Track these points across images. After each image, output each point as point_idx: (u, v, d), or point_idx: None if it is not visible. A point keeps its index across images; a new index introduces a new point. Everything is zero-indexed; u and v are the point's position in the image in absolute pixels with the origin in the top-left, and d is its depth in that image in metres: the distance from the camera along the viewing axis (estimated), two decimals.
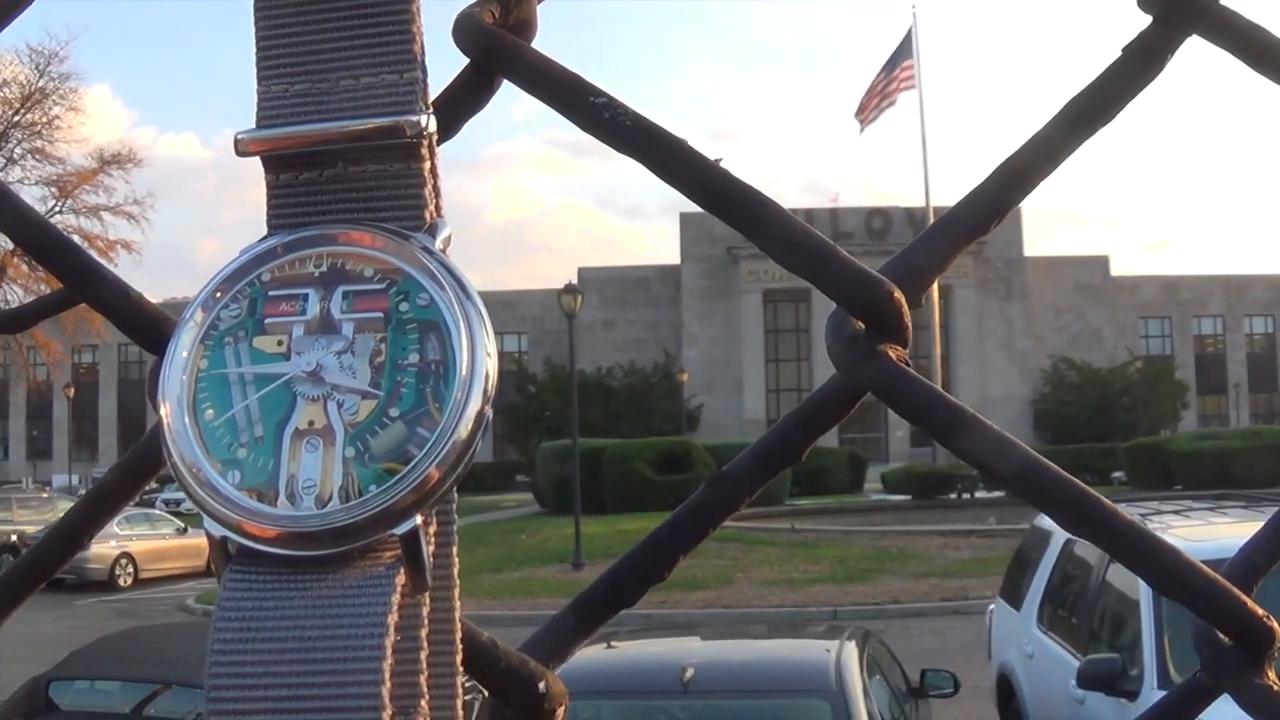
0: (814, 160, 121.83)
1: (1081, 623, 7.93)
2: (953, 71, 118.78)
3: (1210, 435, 39.23)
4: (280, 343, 0.54)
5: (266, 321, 0.54)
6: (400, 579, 0.50)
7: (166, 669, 7.41)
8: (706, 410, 58.86)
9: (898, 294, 0.60)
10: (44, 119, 48.16)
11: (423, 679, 0.50)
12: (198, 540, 25.76)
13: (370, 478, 0.50)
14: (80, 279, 0.65)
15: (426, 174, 0.57)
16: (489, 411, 0.52)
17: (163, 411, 0.54)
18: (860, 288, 0.59)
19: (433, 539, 0.52)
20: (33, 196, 44.32)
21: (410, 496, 0.50)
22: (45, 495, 32.50)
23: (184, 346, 0.55)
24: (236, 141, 0.57)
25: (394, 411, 0.51)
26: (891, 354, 0.60)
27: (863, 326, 0.60)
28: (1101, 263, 64.05)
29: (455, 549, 0.55)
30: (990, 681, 9.82)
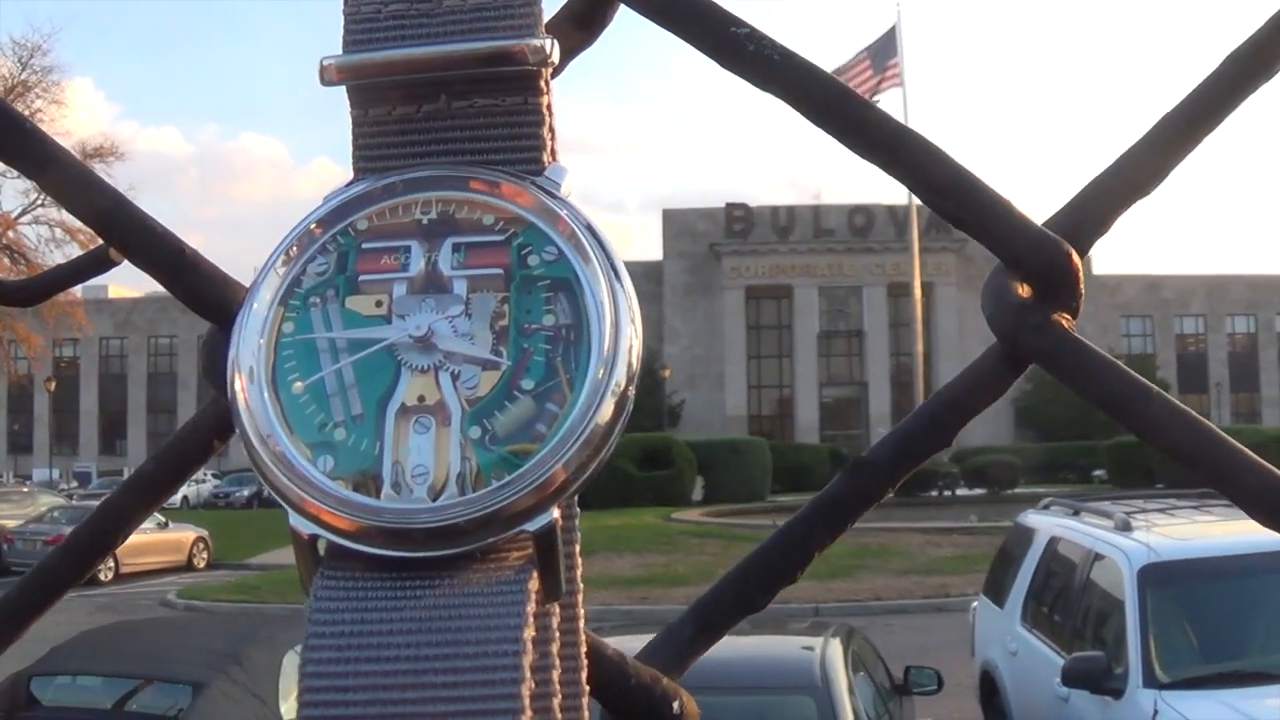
0: (796, 157, 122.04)
1: (1066, 620, 7.90)
2: (936, 68, 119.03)
3: None
4: (379, 303, 0.45)
5: (361, 279, 0.46)
6: (533, 584, 0.42)
7: (148, 664, 7.31)
8: (688, 406, 58.80)
9: (1076, 257, 0.52)
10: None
11: (555, 703, 0.42)
12: (179, 534, 25.70)
13: (494, 463, 0.42)
14: (125, 234, 0.56)
15: (545, 110, 0.49)
16: (632, 393, 0.44)
17: (236, 385, 0.46)
18: (1034, 248, 0.51)
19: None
20: (15, 189, 44.01)
21: (545, 485, 0.42)
22: (26, 490, 32.23)
23: (260, 307, 0.47)
24: (322, 69, 0.48)
25: (525, 384, 0.43)
26: (1064, 324, 0.52)
27: (1027, 292, 0.53)
28: (1085, 261, 64.15)
29: (578, 546, 0.47)
30: (973, 679, 9.79)
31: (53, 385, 55.11)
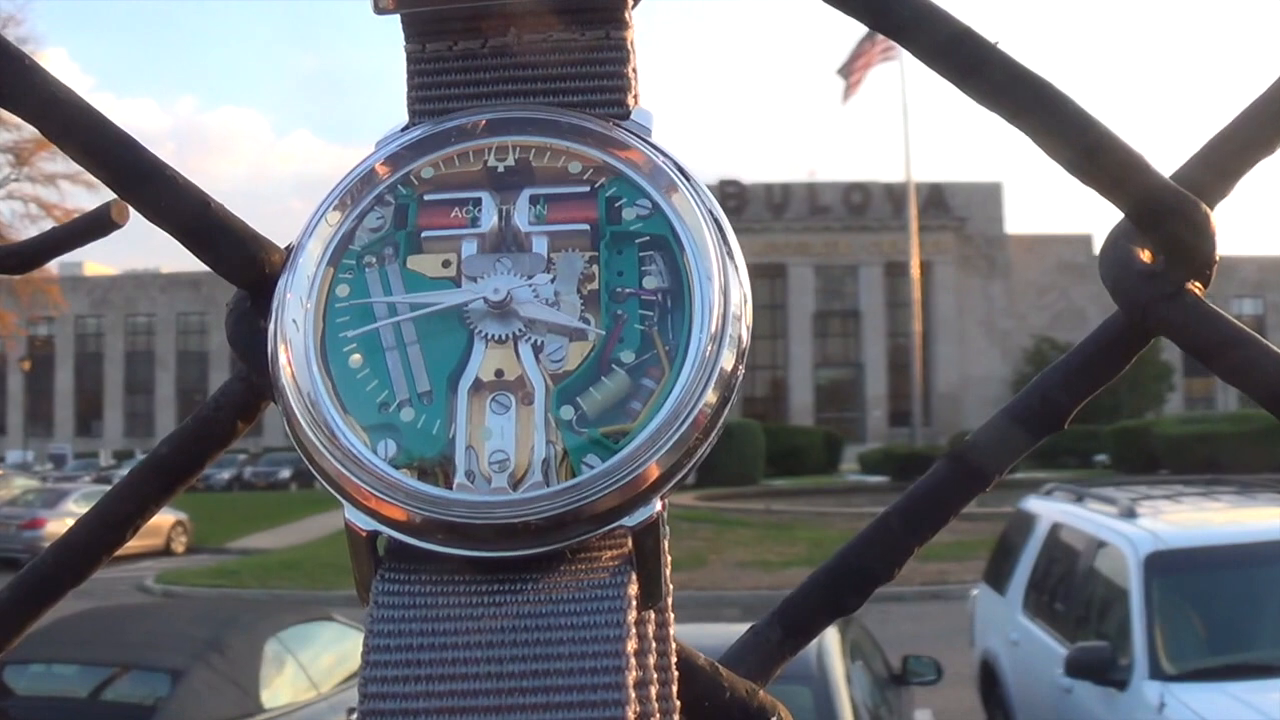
0: (789, 134, 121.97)
1: (1069, 609, 7.91)
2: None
3: (1197, 419, 39.35)
4: (447, 263, 0.41)
5: (424, 235, 0.42)
6: (633, 588, 0.37)
7: (125, 652, 7.27)
8: None
9: (1213, 221, 0.47)
10: None
11: None
12: (157, 518, 25.47)
13: (586, 447, 0.38)
14: (139, 185, 0.50)
15: (629, 46, 0.44)
16: (742, 372, 0.40)
17: (280, 357, 0.41)
18: (1169, 209, 0.46)
19: None
20: None
21: (646, 474, 0.38)
22: (1, 472, 32.14)
23: (308, 267, 0.41)
24: None
25: (623, 355, 0.39)
26: (1197, 292, 0.48)
27: (1149, 257, 0.48)
28: (1085, 241, 64.26)
29: (667, 542, 0.42)
30: (973, 669, 9.80)
31: (27, 365, 54.91)
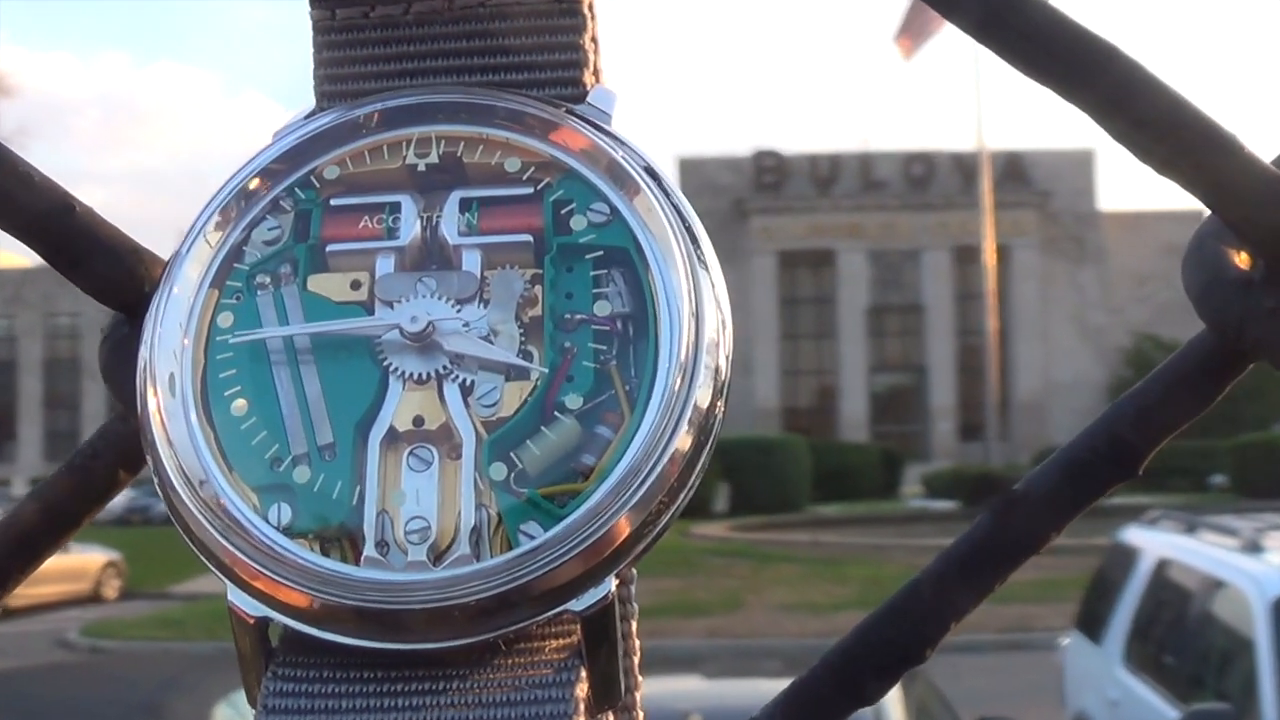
0: (837, 95, 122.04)
1: (1181, 663, 7.91)
2: None
3: None
4: (356, 284, 0.40)
5: (330, 250, 0.41)
6: (581, 688, 0.36)
7: None
8: None
9: None
10: None
11: None
12: (83, 558, 25.67)
13: (524, 512, 0.37)
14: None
15: (587, 11, 0.43)
16: (721, 411, 0.39)
17: (149, 401, 0.40)
18: (1270, 203, 0.45)
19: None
20: None
21: (600, 545, 0.36)
22: None
23: (185, 291, 0.40)
24: None
25: (568, 399, 0.38)
26: None
27: (1247, 262, 0.47)
28: (1196, 218, 64.21)
29: (635, 624, 0.41)
30: None
31: None
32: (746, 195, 59.43)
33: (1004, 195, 53.93)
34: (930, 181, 59.29)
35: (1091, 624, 9.77)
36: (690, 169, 61.70)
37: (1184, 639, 7.95)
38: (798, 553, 27.03)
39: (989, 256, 47.27)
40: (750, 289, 60.39)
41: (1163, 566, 8.64)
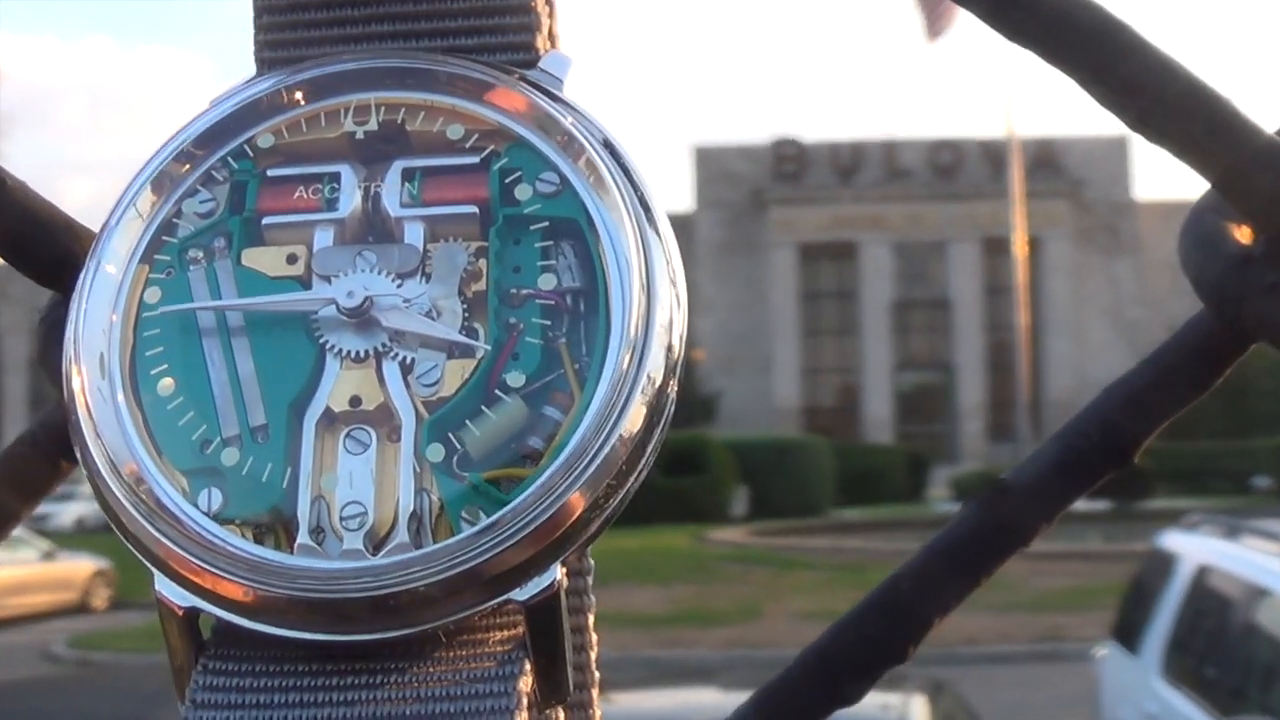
0: (860, 81, 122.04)
1: (1223, 675, 7.90)
2: None
3: None
4: (293, 259, 0.41)
5: (265, 223, 0.41)
6: (525, 682, 0.36)
7: None
8: (726, 397, 58.94)
9: None
10: None
11: None
12: (71, 566, 25.68)
13: (467, 497, 0.37)
14: None
15: None
16: (673, 389, 0.39)
17: (74, 382, 0.40)
18: (1272, 171, 0.45)
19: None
20: None
21: (545, 530, 0.36)
22: None
23: (113, 265, 0.40)
24: None
25: (512, 378, 0.38)
26: None
27: (1249, 237, 0.47)
28: None
29: (592, 615, 0.41)
30: None
31: None
32: (765, 185, 59.41)
33: (1035, 184, 53.82)
34: (958, 170, 59.26)
35: (1128, 634, 9.77)
36: (706, 158, 61.72)
37: (1226, 650, 7.94)
38: (819, 559, 27.02)
39: (1019, 248, 47.17)
40: (769, 283, 60.41)
41: (1203, 573, 8.63)
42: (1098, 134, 59.59)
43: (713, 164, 61.22)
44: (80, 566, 25.76)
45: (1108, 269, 59.63)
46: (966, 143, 59.96)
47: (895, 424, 58.54)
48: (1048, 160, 57.40)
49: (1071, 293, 58.46)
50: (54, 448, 0.51)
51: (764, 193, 59.55)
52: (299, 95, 0.41)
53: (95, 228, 0.51)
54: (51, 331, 0.48)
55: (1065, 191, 57.55)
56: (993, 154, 56.80)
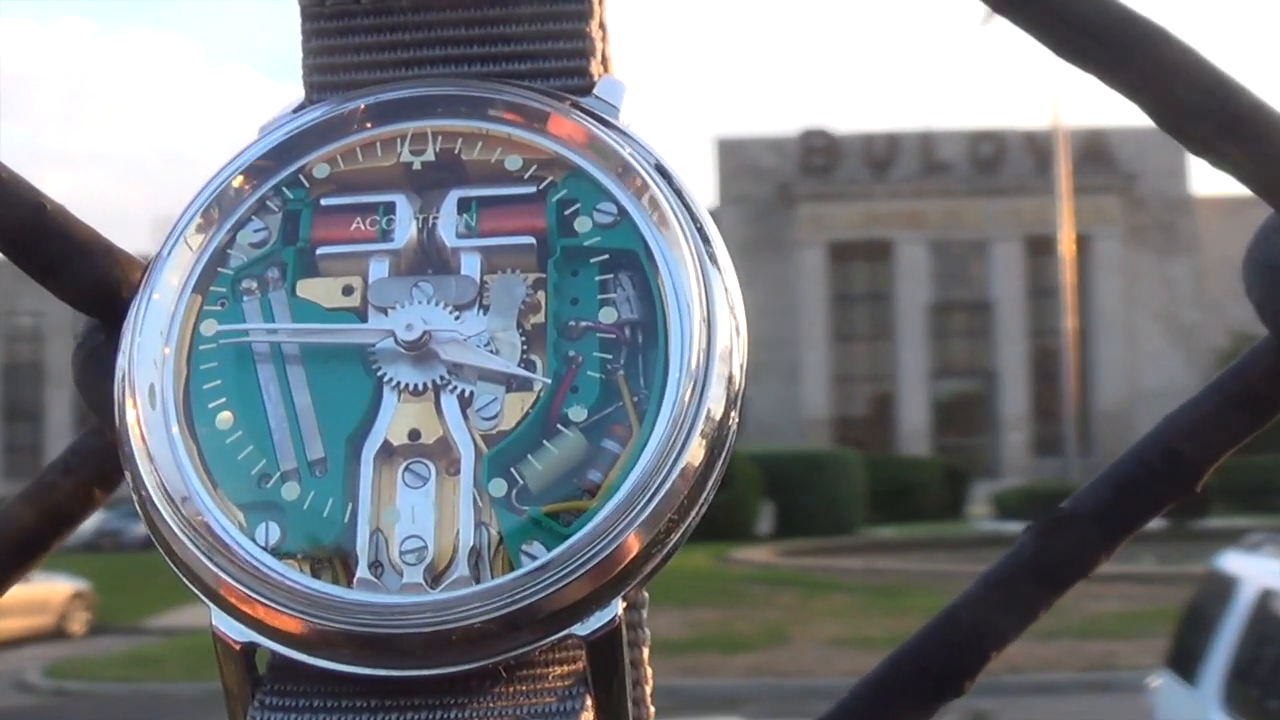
0: (895, 68, 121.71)
1: None
2: None
3: None
4: (349, 290, 0.43)
5: (320, 253, 0.43)
6: (587, 717, 0.38)
7: None
8: (751, 407, 58.74)
9: None
10: None
11: None
12: (47, 588, 25.51)
13: (527, 531, 0.39)
14: None
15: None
16: (735, 422, 0.41)
17: (128, 413, 0.42)
18: None
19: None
20: None
21: (606, 565, 0.38)
22: None
23: (165, 297, 0.43)
24: None
25: (573, 411, 0.40)
26: None
27: None
28: None
29: (647, 650, 0.43)
30: None
31: None
32: (793, 180, 59.22)
33: (1084, 178, 53.57)
34: (1000, 163, 59.02)
35: (1185, 662, 9.74)
36: (730, 151, 61.53)
37: None
38: (851, 581, 26.94)
39: (1066, 247, 47.00)
40: (797, 285, 60.21)
41: (1266, 597, 8.60)
42: (1151, 124, 59.17)
43: (736, 157, 61.01)
44: (57, 588, 25.57)
45: (1162, 269, 59.34)
46: (1009, 133, 59.71)
47: (932, 436, 58.30)
48: (1097, 152, 57.11)
49: (1123, 295, 58.17)
50: (88, 476, 0.53)
51: (791, 188, 59.36)
52: (354, 123, 0.43)
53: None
54: (90, 358, 0.50)
55: (1116, 186, 57.25)
56: (1038, 145, 56.55)
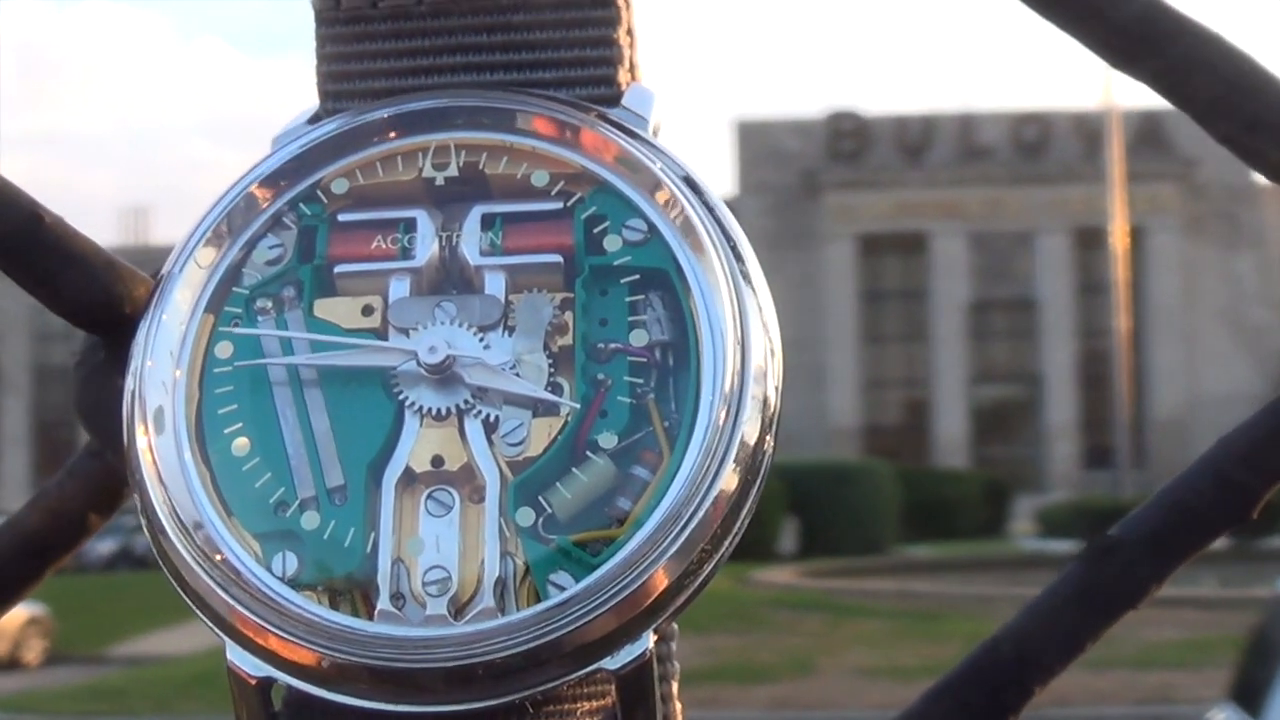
0: (930, 46, 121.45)
1: None
2: None
3: None
4: (368, 310, 0.45)
5: (338, 271, 0.45)
6: None
7: None
8: None
9: None
10: None
11: None
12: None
13: (554, 561, 0.41)
14: None
15: (622, 2, 0.47)
16: (770, 444, 0.43)
17: (137, 439, 0.44)
18: None
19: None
20: None
21: (636, 598, 0.40)
22: None
23: (175, 317, 0.45)
24: None
25: (602, 437, 0.42)
26: None
27: None
28: None
29: (676, 684, 0.45)
30: None
31: None
32: (819, 166, 59.01)
33: (1138, 164, 53.26)
34: (1046, 148, 58.79)
35: (1248, 694, 9.69)
36: (751, 134, 61.32)
37: None
38: (882, 604, 26.84)
39: (1119, 240, 46.85)
40: (823, 282, 60.02)
41: None
42: None
43: (758, 141, 60.82)
44: (10, 614, 25.25)
45: (1225, 264, 59.09)
46: (1056, 115, 59.47)
47: (971, 446, 58.09)
48: (1153, 136, 56.80)
49: (1181, 292, 57.94)
50: (85, 500, 0.55)
51: (818, 175, 59.17)
52: (373, 136, 0.45)
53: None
54: (90, 377, 0.52)
55: (1174, 173, 56.97)
56: (1087, 128, 56.27)
